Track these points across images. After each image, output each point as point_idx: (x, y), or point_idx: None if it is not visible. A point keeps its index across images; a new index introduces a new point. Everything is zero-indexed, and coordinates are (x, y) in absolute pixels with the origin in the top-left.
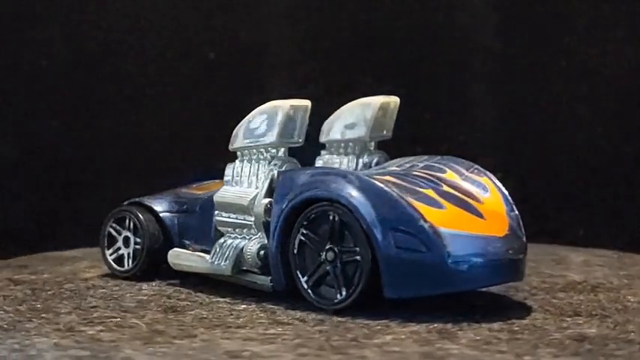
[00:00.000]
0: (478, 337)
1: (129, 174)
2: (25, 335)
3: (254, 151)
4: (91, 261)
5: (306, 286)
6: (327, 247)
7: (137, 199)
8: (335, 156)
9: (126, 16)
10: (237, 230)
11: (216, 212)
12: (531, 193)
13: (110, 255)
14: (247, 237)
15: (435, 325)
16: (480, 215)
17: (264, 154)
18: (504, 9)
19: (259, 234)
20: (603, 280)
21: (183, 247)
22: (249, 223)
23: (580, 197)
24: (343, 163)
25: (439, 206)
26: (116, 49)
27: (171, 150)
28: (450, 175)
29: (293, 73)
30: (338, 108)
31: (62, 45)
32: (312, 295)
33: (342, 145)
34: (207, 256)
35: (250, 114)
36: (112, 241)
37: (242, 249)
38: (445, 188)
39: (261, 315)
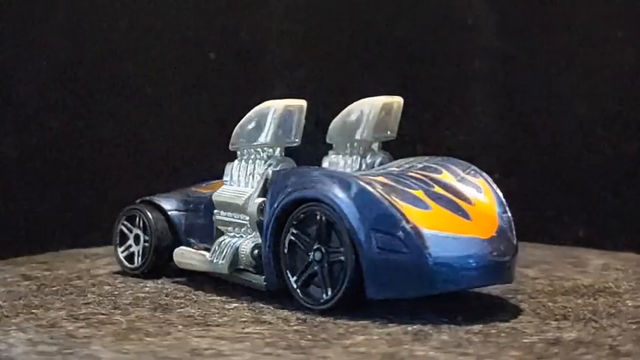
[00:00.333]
0: (450, 340)
1: (129, 174)
2: (4, 330)
3: (251, 150)
4: (111, 258)
5: (295, 285)
6: (315, 247)
7: (148, 198)
8: (340, 156)
9: (126, 16)
10: (235, 229)
11: (215, 211)
12: (531, 193)
13: (122, 252)
14: (243, 236)
15: (415, 326)
16: (466, 216)
17: (261, 153)
18: (504, 9)
19: (254, 233)
20: (612, 284)
21: (190, 245)
22: (246, 222)
23: (580, 197)
24: (347, 163)
25: (425, 207)
26: (116, 49)
27: (172, 150)
28: (445, 175)
29: (293, 73)
30: (338, 108)
31: (62, 45)
32: (300, 294)
33: (347, 145)
34: (208, 255)
35: (248, 114)
36: (124, 238)
37: (238, 248)
38: (436, 189)
39: (247, 314)
